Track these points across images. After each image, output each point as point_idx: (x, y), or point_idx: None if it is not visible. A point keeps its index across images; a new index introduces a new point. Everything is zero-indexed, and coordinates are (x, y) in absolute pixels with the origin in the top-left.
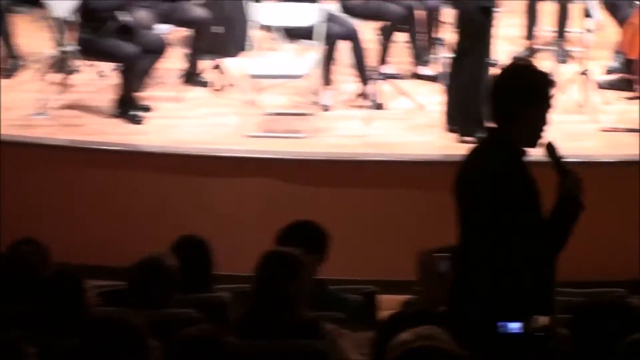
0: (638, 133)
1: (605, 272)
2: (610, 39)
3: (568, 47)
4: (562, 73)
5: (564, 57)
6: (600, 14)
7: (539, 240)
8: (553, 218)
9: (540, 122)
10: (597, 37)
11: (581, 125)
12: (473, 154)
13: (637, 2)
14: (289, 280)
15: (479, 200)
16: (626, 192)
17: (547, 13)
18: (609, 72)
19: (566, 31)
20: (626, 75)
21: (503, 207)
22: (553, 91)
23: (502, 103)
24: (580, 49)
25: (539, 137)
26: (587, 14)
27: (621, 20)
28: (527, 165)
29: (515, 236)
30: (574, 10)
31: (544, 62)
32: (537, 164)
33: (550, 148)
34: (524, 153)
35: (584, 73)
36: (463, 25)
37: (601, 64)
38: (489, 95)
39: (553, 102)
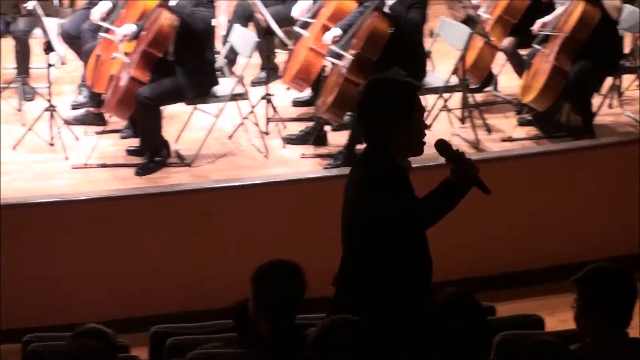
0: (110, 168)
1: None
2: (74, 72)
3: (33, 84)
4: (28, 111)
5: (30, 94)
6: (63, 48)
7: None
8: (438, 197)
9: (408, 137)
10: (60, 71)
11: (52, 164)
12: (355, 163)
13: (102, 34)
14: None
15: (353, 208)
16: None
17: (7, 49)
18: (75, 107)
19: (29, 67)
20: (93, 109)
21: (377, 214)
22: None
23: (366, 124)
24: (45, 84)
25: (418, 146)
26: (49, 49)
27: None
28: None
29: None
30: (35, 45)
31: (10, 101)
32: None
33: (440, 146)
34: (400, 162)
35: (51, 109)
36: None
37: (69, 99)
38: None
39: (419, 109)
